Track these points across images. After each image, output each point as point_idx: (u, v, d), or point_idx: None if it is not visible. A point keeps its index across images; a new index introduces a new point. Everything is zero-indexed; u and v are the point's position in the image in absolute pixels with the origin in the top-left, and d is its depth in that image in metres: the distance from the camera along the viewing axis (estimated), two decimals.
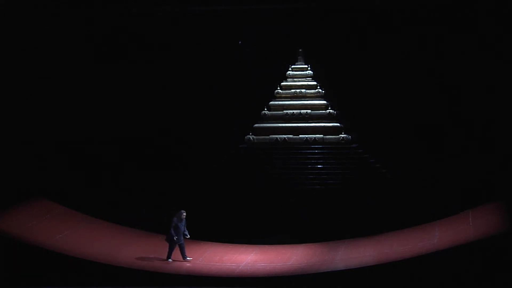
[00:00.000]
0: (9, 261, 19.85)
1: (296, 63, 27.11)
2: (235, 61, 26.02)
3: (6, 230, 20.89)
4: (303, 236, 22.49)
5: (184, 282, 18.99)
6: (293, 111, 26.32)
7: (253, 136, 26.20)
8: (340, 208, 23.48)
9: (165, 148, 25.63)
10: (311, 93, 26.63)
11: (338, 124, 25.97)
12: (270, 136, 26.16)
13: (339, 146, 25.67)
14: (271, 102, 26.66)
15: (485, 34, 23.10)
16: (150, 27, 25.61)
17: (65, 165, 24.71)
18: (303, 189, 24.52)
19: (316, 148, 25.79)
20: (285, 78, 26.96)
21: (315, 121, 26.12)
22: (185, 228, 20.57)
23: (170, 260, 20.51)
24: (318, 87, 26.65)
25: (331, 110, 26.20)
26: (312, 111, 26.25)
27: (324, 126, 25.99)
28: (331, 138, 25.83)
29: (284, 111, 26.45)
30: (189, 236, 20.61)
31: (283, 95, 26.81)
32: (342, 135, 25.78)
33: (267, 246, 22.18)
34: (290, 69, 27.07)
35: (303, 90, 26.65)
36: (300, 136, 25.98)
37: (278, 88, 26.83)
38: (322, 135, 25.86)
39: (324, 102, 26.43)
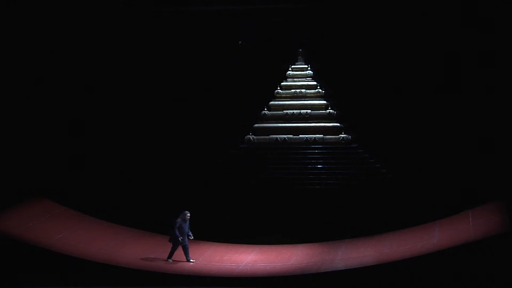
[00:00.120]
0: (9, 261, 19.83)
1: (296, 63, 27.11)
2: (235, 61, 26.01)
3: (6, 230, 20.88)
4: (303, 236, 22.48)
5: (184, 282, 18.97)
6: (293, 111, 26.32)
7: (253, 136, 26.20)
8: (340, 208, 23.47)
9: (165, 148, 25.63)
10: (311, 93, 26.63)
11: (338, 124, 25.98)
12: (270, 136, 26.16)
13: (339, 146, 25.68)
14: (271, 102, 26.66)
15: (484, 36, 23.15)
16: (150, 27, 25.63)
17: (65, 165, 24.71)
18: (303, 189, 24.51)
19: (316, 148, 25.79)
20: (285, 78, 26.96)
21: (315, 121, 26.12)
22: (189, 229, 20.54)
23: (170, 260, 20.50)
24: (318, 87, 26.65)
25: (331, 110, 26.19)
26: (312, 111, 26.25)
27: (324, 126, 25.99)
28: (331, 138, 25.84)
29: (284, 111, 26.45)
30: (192, 237, 20.58)
31: (283, 95, 26.80)
32: (342, 135, 25.79)
33: (267, 246, 22.16)
34: (290, 69, 27.06)
35: (303, 90, 26.65)
36: (300, 136, 25.98)
37: (278, 88, 26.83)
38: (322, 135, 25.87)
39: (324, 102, 26.42)
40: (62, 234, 21.62)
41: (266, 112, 26.54)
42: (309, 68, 27.00)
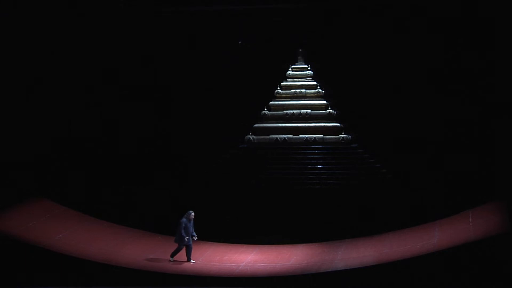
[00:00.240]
0: (9, 261, 19.83)
1: (296, 63, 27.11)
2: (235, 61, 26.01)
3: (6, 230, 20.88)
4: (303, 236, 22.48)
5: (184, 282, 18.97)
6: (293, 111, 26.32)
7: (253, 136, 26.20)
8: (340, 208, 23.47)
9: (166, 148, 25.64)
10: (311, 93, 26.63)
11: (338, 124, 25.98)
12: (270, 136, 26.16)
13: (339, 146, 25.68)
14: (271, 102, 26.66)
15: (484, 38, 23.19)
16: (150, 27, 25.63)
17: (65, 165, 24.71)
18: (303, 189, 24.51)
19: (316, 148, 25.79)
20: (285, 78, 26.96)
21: (315, 121, 26.12)
22: (193, 229, 20.48)
23: (171, 259, 20.44)
24: (318, 87, 26.65)
25: (331, 110, 26.19)
26: (312, 111, 26.25)
27: (324, 126, 25.99)
28: (331, 138, 25.84)
29: (284, 111, 26.45)
30: (196, 238, 20.52)
31: (283, 95, 26.80)
32: (342, 135, 25.79)
33: (267, 246, 22.16)
34: (290, 69, 27.06)
35: (303, 90, 26.64)
36: (300, 136, 25.98)
37: (278, 88, 26.83)
38: (322, 135, 25.87)
39: (324, 102, 26.42)
40: (62, 234, 21.62)
41: (266, 112, 26.54)
42: (309, 68, 27.00)
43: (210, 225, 22.59)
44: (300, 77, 26.97)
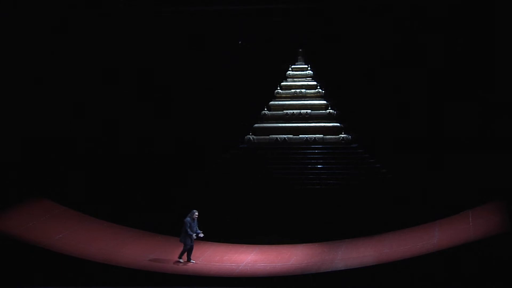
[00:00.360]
0: (9, 261, 19.83)
1: (296, 63, 27.12)
2: (235, 61, 26.01)
3: (6, 230, 20.87)
4: (303, 236, 22.48)
5: (184, 282, 18.97)
6: (293, 111, 26.33)
7: (253, 136, 26.21)
8: (340, 208, 23.46)
9: (166, 148, 25.62)
10: (311, 93, 26.64)
11: (338, 124, 25.98)
12: (270, 136, 26.17)
13: (339, 146, 25.68)
14: (271, 102, 26.67)
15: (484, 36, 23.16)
16: (150, 27, 25.62)
17: (65, 165, 24.69)
18: (303, 189, 24.50)
19: (316, 148, 25.80)
20: (285, 78, 26.97)
21: (315, 121, 26.13)
22: (197, 228, 20.49)
23: (180, 260, 20.40)
24: (318, 87, 26.66)
25: (331, 110, 26.20)
26: (312, 111, 26.26)
27: (324, 126, 26.00)
28: (331, 138, 25.85)
29: (284, 111, 26.46)
30: (203, 235, 20.45)
31: (283, 95, 26.81)
32: (342, 135, 25.79)
33: (267, 246, 22.17)
34: (290, 69, 27.08)
35: (303, 90, 26.66)
36: (300, 136, 25.99)
37: (278, 88, 26.84)
38: (322, 135, 25.88)
39: (324, 102, 26.43)
40: (62, 234, 21.61)
41: (266, 112, 26.55)
42: (309, 68, 27.02)
43: (210, 225, 22.58)
44: (300, 77, 26.98)
